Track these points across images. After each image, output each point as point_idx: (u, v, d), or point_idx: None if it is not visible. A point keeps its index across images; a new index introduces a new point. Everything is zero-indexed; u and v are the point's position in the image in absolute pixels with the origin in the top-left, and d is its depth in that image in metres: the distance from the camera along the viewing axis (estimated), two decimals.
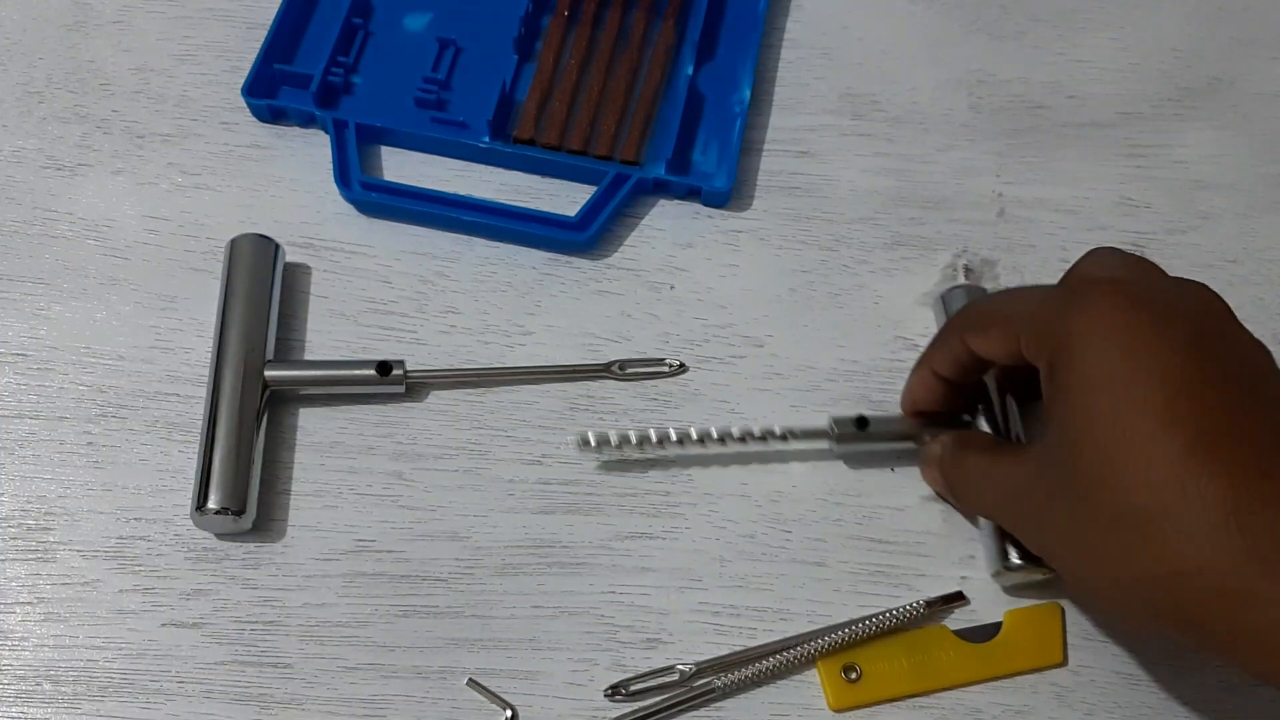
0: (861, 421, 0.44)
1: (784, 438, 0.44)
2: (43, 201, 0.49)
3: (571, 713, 0.41)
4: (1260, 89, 0.54)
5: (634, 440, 0.43)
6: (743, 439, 0.44)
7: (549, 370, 0.46)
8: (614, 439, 0.43)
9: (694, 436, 0.43)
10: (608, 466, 0.44)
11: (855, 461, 0.45)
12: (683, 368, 0.46)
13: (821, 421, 0.44)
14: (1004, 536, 0.42)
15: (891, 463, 0.45)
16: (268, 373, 0.44)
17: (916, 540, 0.44)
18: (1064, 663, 0.42)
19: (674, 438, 0.43)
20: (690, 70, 0.51)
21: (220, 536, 0.43)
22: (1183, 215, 0.51)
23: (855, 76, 0.53)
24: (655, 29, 0.53)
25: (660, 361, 0.46)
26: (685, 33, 0.53)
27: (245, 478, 0.42)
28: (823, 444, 0.44)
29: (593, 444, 0.43)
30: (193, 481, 0.42)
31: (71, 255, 0.48)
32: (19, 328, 0.46)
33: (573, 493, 0.44)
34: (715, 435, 0.43)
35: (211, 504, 0.41)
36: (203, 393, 0.44)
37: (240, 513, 0.41)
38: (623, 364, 0.46)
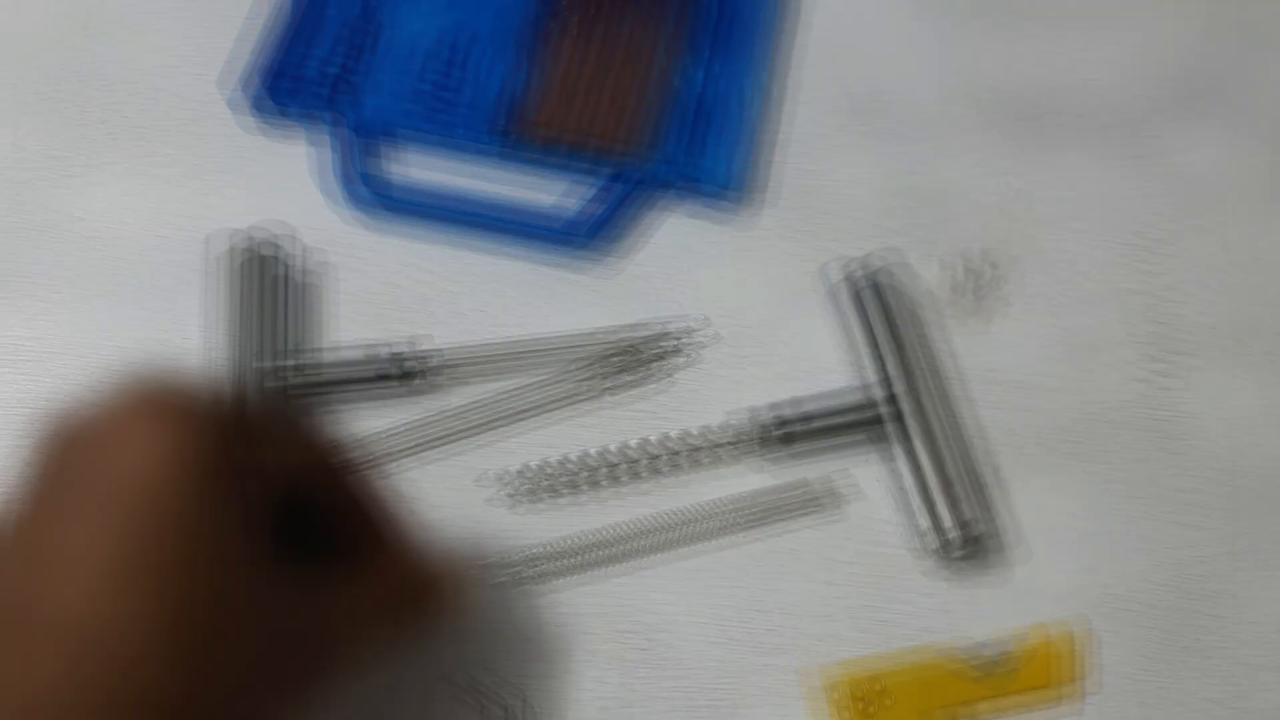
0: None
1: None
2: (43, 201, 0.49)
3: (572, 714, 0.41)
4: (1263, 89, 0.54)
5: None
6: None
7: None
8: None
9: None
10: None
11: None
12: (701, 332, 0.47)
13: None
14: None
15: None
16: (270, 374, 0.44)
17: None
18: (1081, 693, 0.41)
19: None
20: (697, 69, 0.51)
21: None
22: (1183, 215, 0.51)
23: (857, 76, 0.53)
24: (662, 28, 0.53)
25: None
26: (692, 32, 0.53)
27: None
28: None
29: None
30: None
31: (71, 255, 0.48)
32: (19, 328, 0.46)
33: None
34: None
35: None
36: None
37: None
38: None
